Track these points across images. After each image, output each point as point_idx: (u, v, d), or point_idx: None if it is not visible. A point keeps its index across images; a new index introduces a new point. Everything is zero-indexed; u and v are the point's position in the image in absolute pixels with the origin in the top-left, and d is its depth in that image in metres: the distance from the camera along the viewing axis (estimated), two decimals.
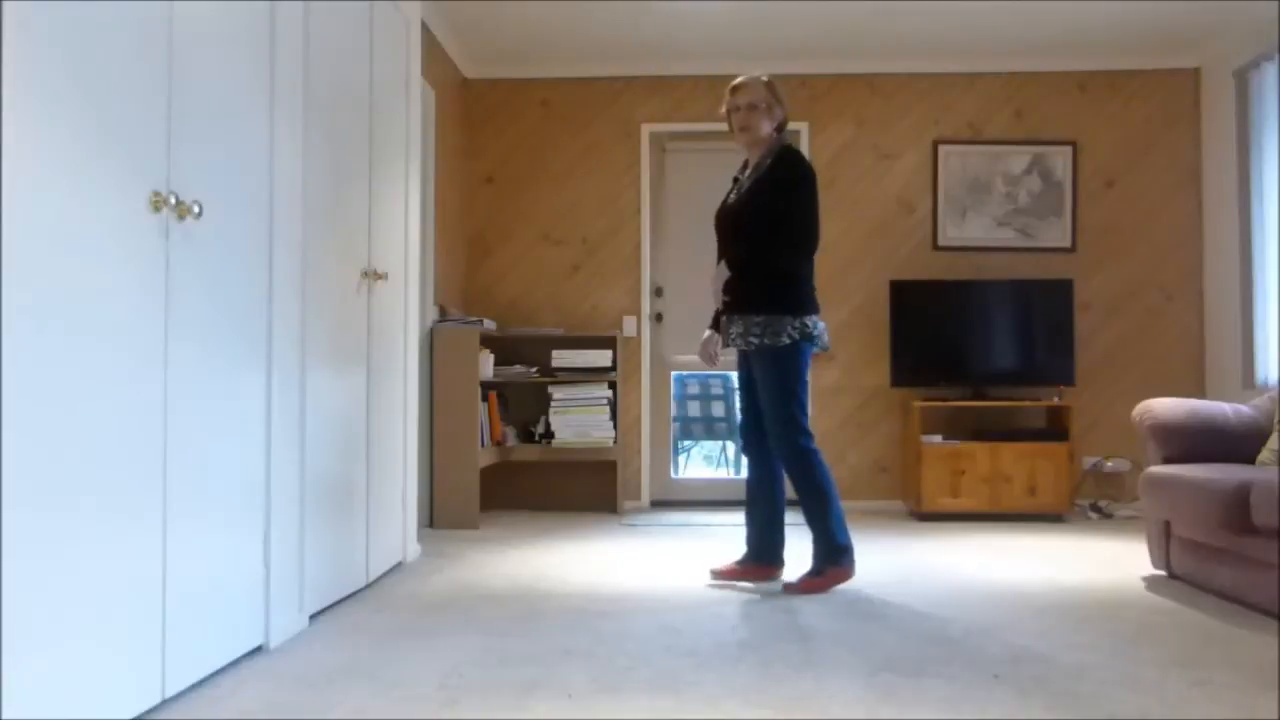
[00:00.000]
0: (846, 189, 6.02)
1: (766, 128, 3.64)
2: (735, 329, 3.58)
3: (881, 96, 6.05)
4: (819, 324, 3.57)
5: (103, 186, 1.99)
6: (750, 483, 3.73)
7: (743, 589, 3.58)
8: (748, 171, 3.73)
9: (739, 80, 3.70)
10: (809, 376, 3.61)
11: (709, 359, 3.80)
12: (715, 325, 3.79)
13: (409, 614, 3.18)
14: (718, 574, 3.71)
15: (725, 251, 3.66)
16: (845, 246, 6.00)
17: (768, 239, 3.53)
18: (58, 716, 1.85)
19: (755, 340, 3.51)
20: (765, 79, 3.68)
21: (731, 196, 3.72)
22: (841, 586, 3.60)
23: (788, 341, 3.48)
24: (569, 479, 5.92)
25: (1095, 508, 5.66)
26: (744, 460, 3.83)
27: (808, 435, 3.53)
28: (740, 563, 3.72)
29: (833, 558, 3.52)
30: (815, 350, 3.58)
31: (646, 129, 6.08)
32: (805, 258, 3.56)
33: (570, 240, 6.08)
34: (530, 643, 2.82)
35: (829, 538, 3.52)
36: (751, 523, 3.73)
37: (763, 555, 3.70)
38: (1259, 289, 5.33)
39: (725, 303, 3.63)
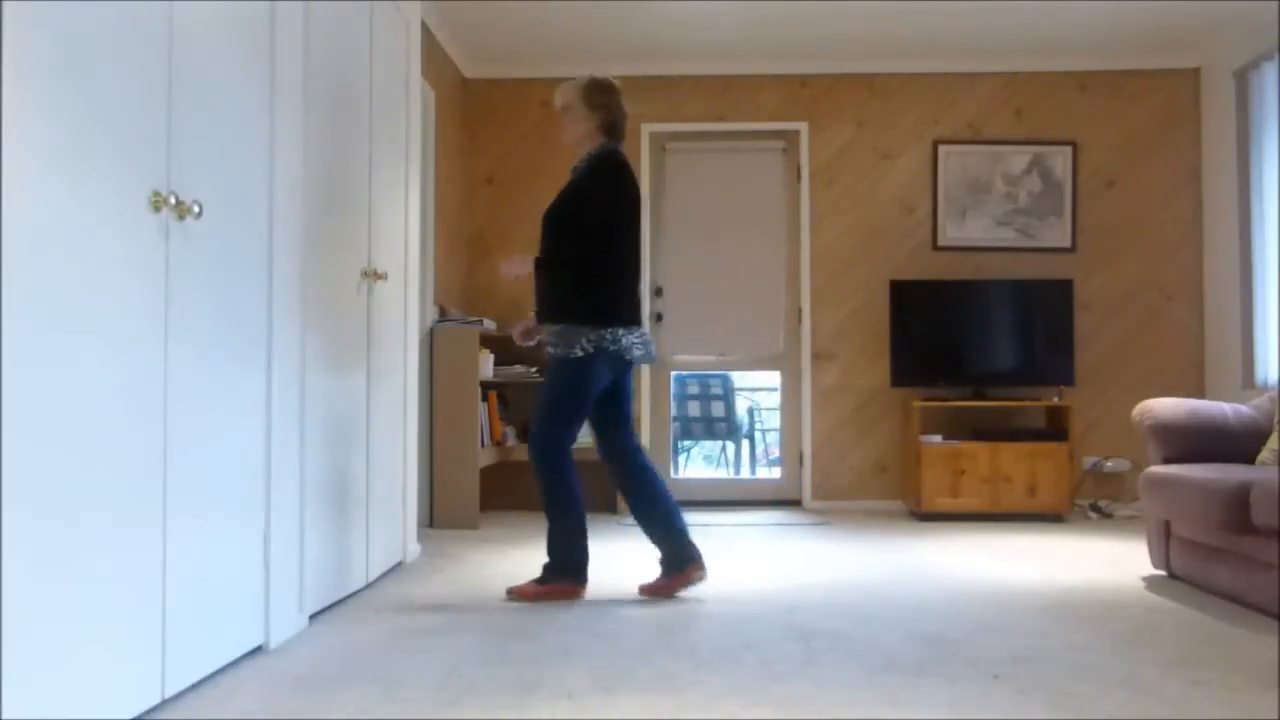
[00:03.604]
0: (846, 189, 6.02)
1: (577, 131, 3.49)
2: (544, 335, 3.48)
3: (881, 96, 6.05)
4: (626, 336, 3.39)
5: (102, 186, 1.99)
6: (632, 497, 3.50)
7: (741, 589, 3.58)
8: None
9: (562, 84, 3.56)
10: (590, 392, 3.39)
11: (525, 337, 3.66)
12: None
13: (409, 614, 3.18)
14: (647, 590, 3.46)
15: (540, 253, 3.49)
16: (845, 246, 6.00)
17: (576, 245, 3.38)
18: (58, 716, 1.85)
19: (552, 350, 3.40)
20: (586, 80, 3.50)
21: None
22: (840, 588, 3.59)
23: (580, 354, 3.33)
24: None
25: (1095, 508, 5.66)
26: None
27: (562, 450, 3.38)
28: (664, 576, 3.47)
29: (561, 573, 3.40)
30: (618, 366, 3.42)
31: (646, 129, 6.08)
32: (595, 265, 3.36)
33: None
34: (530, 643, 2.82)
35: (562, 553, 3.40)
36: (653, 534, 3.50)
37: (678, 561, 3.46)
38: (1259, 289, 5.33)
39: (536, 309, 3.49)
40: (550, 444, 3.39)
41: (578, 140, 3.52)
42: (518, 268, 3.44)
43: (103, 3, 1.99)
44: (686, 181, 6.10)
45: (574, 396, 3.38)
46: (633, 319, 3.46)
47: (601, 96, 3.48)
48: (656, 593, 3.45)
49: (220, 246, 2.48)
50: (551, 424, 3.38)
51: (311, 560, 3.06)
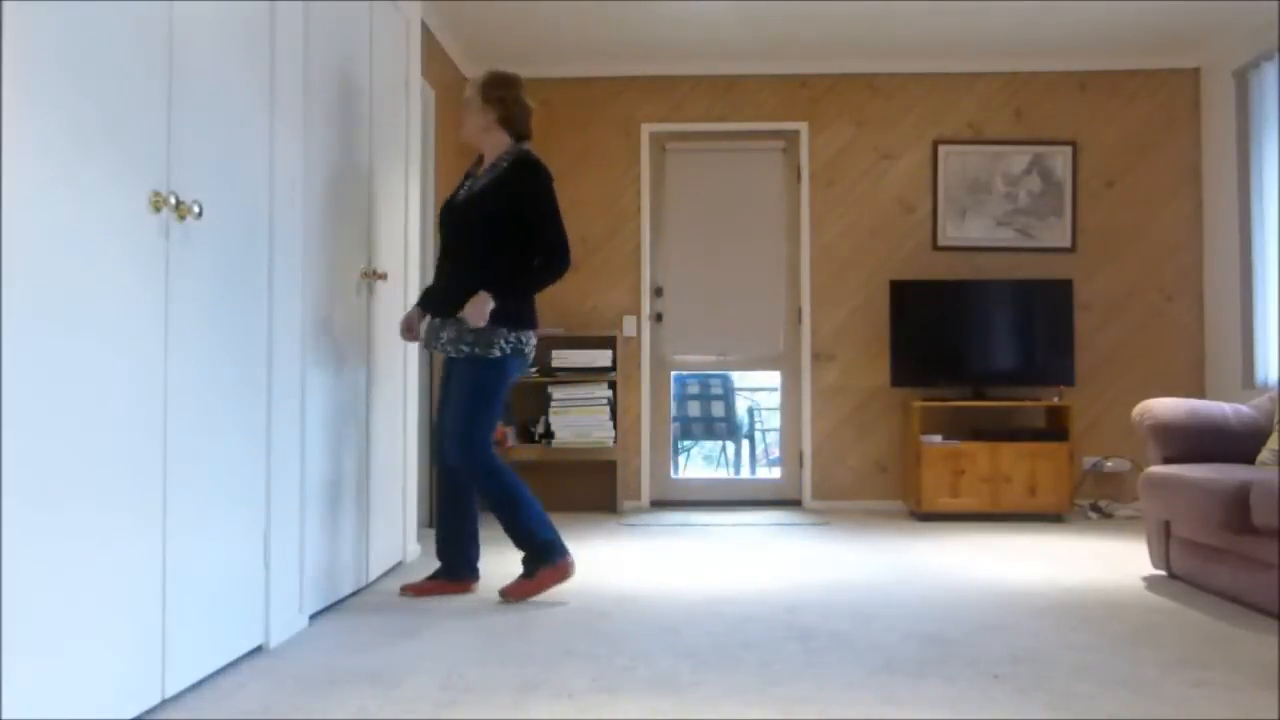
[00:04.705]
0: (846, 189, 6.02)
1: (475, 125, 3.49)
2: (446, 334, 3.39)
3: (881, 96, 6.05)
4: (532, 340, 3.46)
5: (103, 186, 1.99)
6: (444, 495, 3.53)
7: (741, 589, 3.58)
8: (482, 170, 3.53)
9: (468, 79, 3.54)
10: (504, 393, 3.42)
11: (410, 333, 3.61)
12: (421, 303, 3.60)
13: (409, 614, 3.18)
14: (410, 590, 3.48)
15: (450, 250, 3.47)
16: (845, 246, 6.00)
17: (503, 247, 3.38)
18: (58, 716, 1.85)
19: (466, 349, 3.35)
20: (485, 74, 3.51)
21: (461, 193, 3.50)
22: (840, 589, 3.60)
23: (498, 355, 3.34)
24: (569, 479, 5.91)
25: (1095, 508, 5.66)
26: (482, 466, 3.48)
27: (489, 449, 3.37)
28: (433, 577, 3.52)
29: (541, 557, 3.37)
30: (522, 367, 3.46)
31: (646, 129, 6.08)
32: (559, 275, 3.43)
33: (570, 240, 6.06)
34: (530, 643, 2.82)
35: (531, 539, 3.36)
36: (444, 535, 3.53)
37: (457, 569, 3.52)
38: (1259, 289, 5.33)
39: (437, 303, 3.45)
40: (476, 445, 3.36)
41: (476, 133, 3.51)
42: (484, 307, 3.30)
43: (103, 3, 1.99)
44: (686, 181, 6.10)
45: (491, 397, 3.37)
46: (536, 322, 3.50)
47: (498, 90, 3.48)
48: (421, 592, 3.46)
49: (220, 247, 2.48)
50: (471, 425, 3.35)
51: (311, 560, 3.06)
